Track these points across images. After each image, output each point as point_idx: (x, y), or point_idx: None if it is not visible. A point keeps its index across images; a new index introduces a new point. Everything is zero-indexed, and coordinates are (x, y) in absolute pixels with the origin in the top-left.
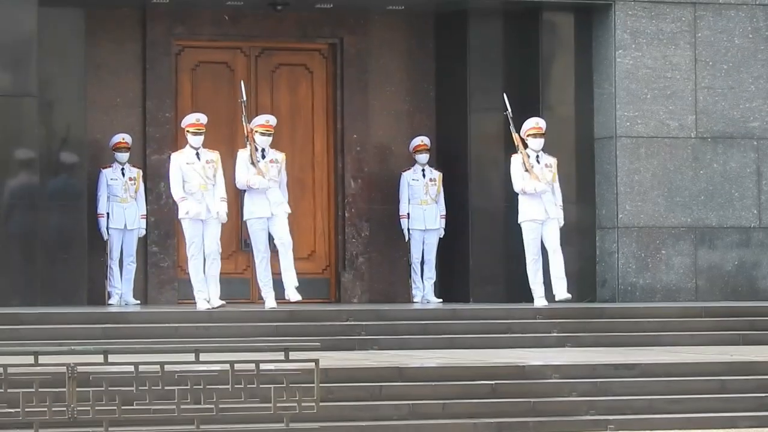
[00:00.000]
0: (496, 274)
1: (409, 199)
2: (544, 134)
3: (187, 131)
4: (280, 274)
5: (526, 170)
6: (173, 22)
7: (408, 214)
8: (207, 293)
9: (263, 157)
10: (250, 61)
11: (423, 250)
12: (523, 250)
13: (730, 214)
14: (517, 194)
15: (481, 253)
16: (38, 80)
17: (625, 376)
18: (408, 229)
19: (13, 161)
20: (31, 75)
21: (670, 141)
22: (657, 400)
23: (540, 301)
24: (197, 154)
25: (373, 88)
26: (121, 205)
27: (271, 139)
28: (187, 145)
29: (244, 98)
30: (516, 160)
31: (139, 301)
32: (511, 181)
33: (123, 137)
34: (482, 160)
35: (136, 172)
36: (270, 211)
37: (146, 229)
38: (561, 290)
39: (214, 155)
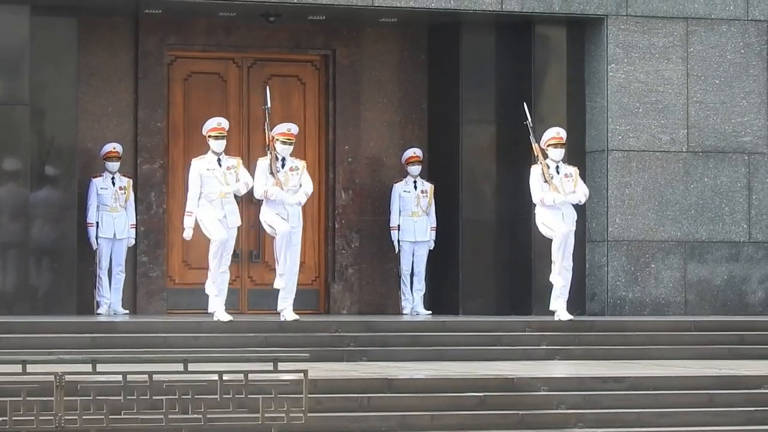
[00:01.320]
0: (486, 286)
1: (399, 211)
2: (564, 144)
3: (209, 136)
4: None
5: (546, 181)
6: (166, 32)
7: (398, 225)
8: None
9: (283, 166)
10: (242, 71)
11: (413, 262)
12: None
13: (720, 228)
14: (533, 204)
15: (471, 265)
16: (30, 88)
17: (614, 389)
18: (398, 241)
19: (3, 169)
20: (23, 83)
21: (662, 155)
22: (646, 414)
23: (564, 314)
24: (219, 160)
25: (366, 100)
26: (111, 214)
27: (292, 147)
28: (209, 151)
29: (269, 104)
30: (536, 171)
31: (127, 311)
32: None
33: (114, 146)
34: (474, 172)
35: (126, 182)
36: (288, 225)
37: (136, 239)
38: (562, 310)
39: (235, 161)
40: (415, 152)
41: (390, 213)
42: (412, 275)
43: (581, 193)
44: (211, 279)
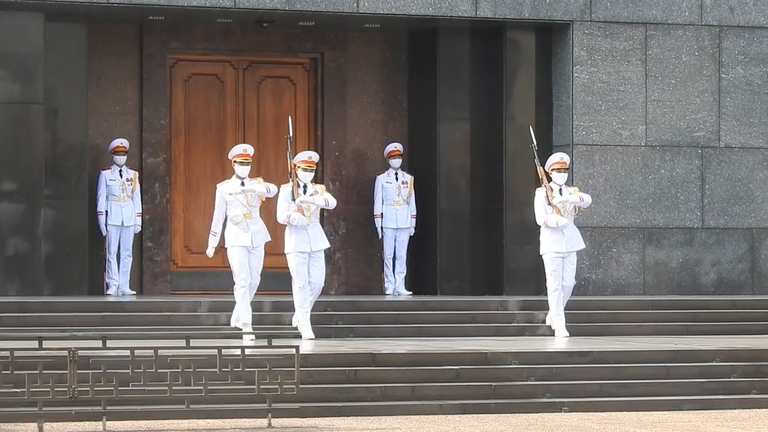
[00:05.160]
0: (462, 269)
1: (382, 200)
2: (568, 169)
3: (234, 161)
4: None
5: (549, 204)
6: (168, 37)
7: (381, 213)
8: (250, 320)
9: (305, 192)
10: (238, 73)
11: (395, 246)
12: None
13: (675, 215)
14: (539, 226)
15: (448, 250)
16: (44, 89)
17: (579, 362)
18: (381, 228)
19: (21, 163)
20: (38, 84)
21: (622, 149)
22: (607, 385)
23: (562, 332)
24: (242, 183)
25: (351, 99)
26: (119, 203)
27: (313, 174)
28: (234, 176)
29: (291, 134)
30: (540, 194)
31: (134, 292)
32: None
33: (121, 142)
34: (450, 165)
35: (132, 174)
36: (310, 247)
37: (141, 226)
38: (561, 327)
39: (256, 181)
40: (396, 147)
41: (374, 202)
42: (394, 259)
43: (587, 197)
44: (235, 314)
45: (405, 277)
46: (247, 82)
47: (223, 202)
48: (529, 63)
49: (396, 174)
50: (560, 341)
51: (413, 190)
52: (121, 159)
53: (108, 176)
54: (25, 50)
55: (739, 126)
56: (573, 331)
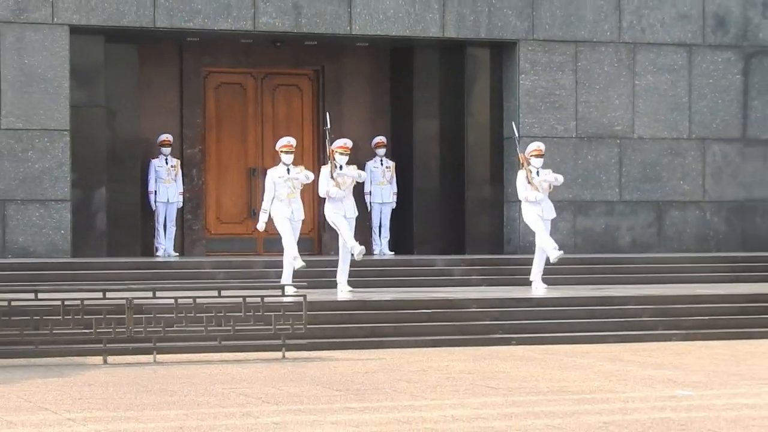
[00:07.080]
0: (433, 234)
1: (371, 181)
2: (543, 155)
3: (281, 151)
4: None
5: (529, 182)
6: (202, 54)
7: (370, 191)
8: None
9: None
10: (257, 82)
11: (381, 217)
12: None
13: (599, 192)
14: (520, 200)
15: (422, 219)
16: (105, 94)
17: (525, 306)
18: (370, 203)
19: (87, 155)
20: (100, 91)
21: (558, 140)
22: (546, 323)
23: (554, 252)
24: (288, 170)
25: (346, 101)
26: (165, 185)
27: (347, 157)
28: (281, 163)
29: (329, 125)
30: (521, 175)
31: (177, 254)
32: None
33: (167, 136)
34: (424, 153)
35: (175, 161)
36: (344, 214)
37: (183, 202)
38: (538, 280)
39: (299, 168)
40: (381, 139)
41: (364, 183)
42: (380, 227)
43: (560, 177)
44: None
45: (389, 240)
46: (264, 89)
47: (273, 185)
48: (485, 73)
49: (381, 160)
50: (537, 291)
51: (395, 173)
52: (167, 150)
53: (156, 163)
54: (89, 64)
55: (649, 121)
56: (520, 282)
